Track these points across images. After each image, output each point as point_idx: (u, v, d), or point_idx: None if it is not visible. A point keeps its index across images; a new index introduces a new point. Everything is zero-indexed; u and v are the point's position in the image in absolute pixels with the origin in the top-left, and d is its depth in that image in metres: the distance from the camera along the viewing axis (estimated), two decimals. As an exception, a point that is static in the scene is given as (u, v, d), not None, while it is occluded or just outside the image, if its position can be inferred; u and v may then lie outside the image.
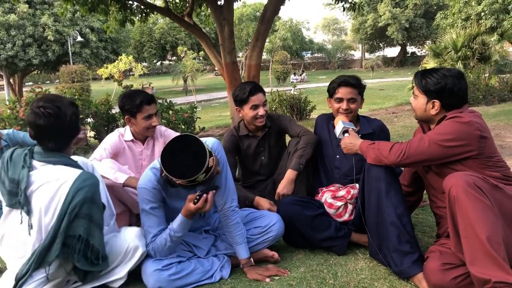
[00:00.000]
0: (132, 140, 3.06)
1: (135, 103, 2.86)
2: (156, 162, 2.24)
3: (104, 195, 2.23)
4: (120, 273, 2.17)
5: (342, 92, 2.73)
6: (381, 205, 2.25)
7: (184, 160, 1.99)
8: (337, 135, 2.57)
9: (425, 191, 2.48)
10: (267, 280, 2.23)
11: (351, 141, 2.43)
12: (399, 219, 2.20)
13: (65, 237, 1.91)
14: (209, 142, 2.30)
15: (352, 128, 2.54)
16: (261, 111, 2.93)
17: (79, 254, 1.94)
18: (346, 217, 2.57)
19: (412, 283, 2.13)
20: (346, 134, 2.51)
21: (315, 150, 2.85)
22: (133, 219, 3.05)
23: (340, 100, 2.74)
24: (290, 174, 2.76)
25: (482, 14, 23.42)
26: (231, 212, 2.33)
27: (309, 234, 2.51)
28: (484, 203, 1.80)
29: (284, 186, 2.73)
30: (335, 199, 2.58)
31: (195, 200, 2.10)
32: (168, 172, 2.00)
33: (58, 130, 1.97)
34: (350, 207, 2.56)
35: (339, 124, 2.55)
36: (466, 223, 1.80)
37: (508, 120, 6.95)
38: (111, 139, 3.05)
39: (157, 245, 2.19)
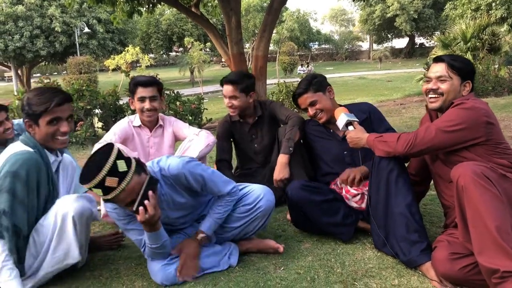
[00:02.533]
0: (140, 126, 3.09)
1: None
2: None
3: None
4: (61, 248, 2.06)
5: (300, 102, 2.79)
6: (390, 196, 2.25)
7: (90, 165, 1.90)
8: (340, 128, 2.52)
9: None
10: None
11: (358, 135, 2.39)
12: (408, 209, 2.20)
13: None
14: (172, 166, 2.13)
15: (355, 120, 2.49)
16: (226, 102, 3.05)
17: (8, 232, 1.91)
18: (363, 205, 2.57)
19: (420, 272, 2.13)
20: (350, 127, 2.46)
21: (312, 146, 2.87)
22: None
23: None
24: (281, 158, 2.79)
25: (493, 4, 23.10)
26: (228, 197, 2.29)
27: (316, 219, 2.50)
28: (492, 192, 1.79)
29: (279, 171, 2.77)
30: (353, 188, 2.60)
31: (133, 211, 1.97)
32: (80, 181, 1.89)
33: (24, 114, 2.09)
34: (366, 197, 2.55)
35: (342, 117, 2.48)
36: (474, 213, 1.79)
37: (517, 112, 6.88)
38: (121, 125, 3.09)
39: (148, 253, 2.19)
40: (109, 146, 1.93)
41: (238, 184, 2.40)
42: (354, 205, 2.59)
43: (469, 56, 12.27)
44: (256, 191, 2.39)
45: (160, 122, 3.12)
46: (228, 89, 3.00)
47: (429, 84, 2.23)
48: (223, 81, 3.05)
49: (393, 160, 2.26)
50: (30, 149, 2.04)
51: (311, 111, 2.75)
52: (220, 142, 3.16)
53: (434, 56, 13.46)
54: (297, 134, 2.81)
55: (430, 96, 2.21)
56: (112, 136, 2.99)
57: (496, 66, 11.76)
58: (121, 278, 2.27)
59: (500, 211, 1.77)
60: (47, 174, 2.09)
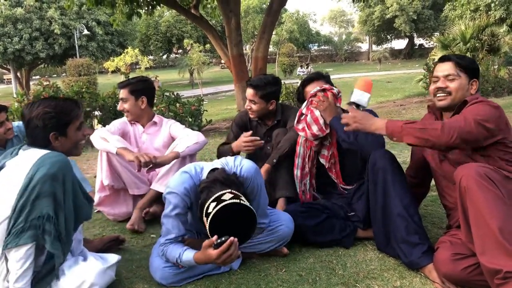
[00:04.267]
0: (133, 122, 3.24)
1: None
2: (191, 166, 2.19)
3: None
4: None
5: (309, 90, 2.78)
6: (387, 197, 2.24)
7: (233, 231, 1.89)
8: (349, 100, 2.34)
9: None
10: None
11: (366, 117, 2.13)
12: (406, 210, 2.19)
13: (33, 218, 1.82)
14: (245, 168, 2.15)
15: (363, 107, 2.33)
16: (247, 105, 3.04)
17: (51, 236, 1.86)
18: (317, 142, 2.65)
19: (422, 274, 2.12)
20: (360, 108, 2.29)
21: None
22: (130, 200, 3.16)
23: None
24: (264, 166, 2.85)
25: (492, 5, 23.13)
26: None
27: (313, 240, 2.52)
28: (495, 193, 1.78)
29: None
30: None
31: (216, 244, 1.88)
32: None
33: (30, 127, 2.01)
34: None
35: (356, 93, 2.26)
36: (477, 214, 1.78)
37: (517, 112, 6.88)
38: (118, 121, 3.27)
39: (168, 253, 2.14)
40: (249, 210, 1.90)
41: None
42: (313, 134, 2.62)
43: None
44: (279, 216, 2.44)
45: (155, 119, 3.23)
46: (249, 92, 2.99)
47: (437, 83, 2.21)
48: (247, 84, 3.04)
49: (389, 161, 2.26)
50: (53, 151, 1.99)
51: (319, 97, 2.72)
52: (233, 127, 3.20)
53: (433, 56, 13.52)
54: (287, 149, 2.82)
55: (438, 95, 2.19)
56: (111, 127, 3.15)
57: (496, 66, 11.78)
58: (122, 281, 2.26)
59: (503, 212, 1.76)
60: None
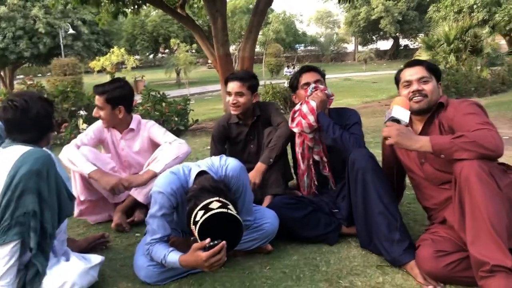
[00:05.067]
0: (110, 128, 3.10)
1: None
2: (179, 168, 2.18)
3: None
4: None
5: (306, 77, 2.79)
6: (367, 196, 2.27)
7: (223, 238, 1.89)
8: (387, 117, 2.14)
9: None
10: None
11: (411, 134, 2.02)
12: (387, 208, 2.22)
13: (18, 215, 1.81)
14: (230, 166, 2.18)
15: (405, 123, 2.09)
16: (232, 99, 2.97)
17: (36, 234, 1.85)
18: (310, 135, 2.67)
19: (405, 270, 2.15)
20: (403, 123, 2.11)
21: (292, 142, 2.89)
22: (110, 206, 3.10)
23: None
24: (259, 166, 2.82)
25: (474, 6, 23.51)
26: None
27: (299, 233, 2.54)
28: (494, 187, 1.81)
29: (253, 176, 2.77)
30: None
31: (208, 246, 1.87)
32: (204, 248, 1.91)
33: (25, 123, 1.98)
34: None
35: (395, 109, 2.08)
36: (474, 205, 1.81)
37: (499, 112, 7.01)
38: (95, 126, 3.12)
39: (153, 253, 2.13)
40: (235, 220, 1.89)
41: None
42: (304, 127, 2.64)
43: (452, 57, 12.48)
44: (264, 213, 2.45)
45: (132, 126, 3.07)
46: (235, 85, 2.96)
47: (411, 87, 2.22)
48: (230, 78, 3.00)
49: (368, 161, 2.29)
50: (37, 147, 1.98)
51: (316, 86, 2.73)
52: (214, 145, 3.15)
53: (418, 57, 13.67)
54: (281, 147, 2.83)
55: (415, 98, 2.19)
56: (84, 138, 3.03)
57: (479, 67, 11.96)
58: (106, 279, 2.25)
59: (498, 208, 1.80)
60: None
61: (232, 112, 3.02)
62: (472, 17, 18.05)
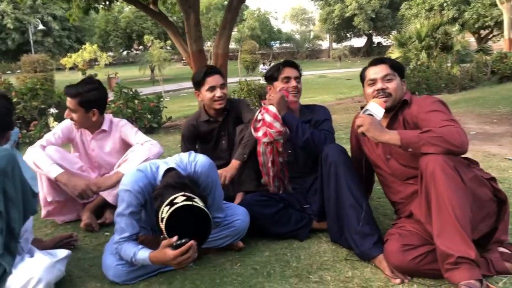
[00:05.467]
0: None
1: None
2: (147, 165, 2.15)
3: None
4: None
5: (288, 71, 2.77)
6: (339, 189, 2.29)
7: (190, 233, 1.88)
8: (363, 111, 2.19)
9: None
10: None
11: (381, 127, 2.06)
12: (357, 201, 2.25)
13: None
14: (199, 163, 2.17)
15: (379, 118, 2.14)
16: (218, 93, 2.89)
17: (2, 234, 1.79)
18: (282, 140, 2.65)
19: (373, 264, 2.18)
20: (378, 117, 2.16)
21: None
22: (79, 205, 3.04)
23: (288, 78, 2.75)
24: (233, 163, 2.81)
25: (445, 4, 24.05)
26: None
27: (270, 230, 2.55)
28: (458, 181, 1.85)
29: (227, 171, 2.76)
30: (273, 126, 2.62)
31: (175, 245, 1.87)
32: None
33: None
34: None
35: (371, 105, 2.16)
36: (439, 198, 1.84)
37: (467, 107, 7.19)
38: (64, 124, 3.02)
39: (122, 251, 2.10)
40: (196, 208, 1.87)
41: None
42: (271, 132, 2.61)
43: (423, 54, 12.71)
44: (235, 210, 2.44)
45: (104, 127, 2.99)
46: (218, 78, 2.92)
47: (375, 85, 2.24)
48: (209, 73, 2.92)
49: (341, 155, 2.32)
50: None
51: (293, 82, 2.73)
52: (184, 144, 3.09)
53: (390, 54, 13.89)
54: (254, 143, 2.79)
55: (380, 97, 2.21)
56: (51, 137, 2.94)
57: (449, 64, 12.21)
58: (73, 280, 2.21)
59: (463, 201, 1.84)
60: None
61: (218, 106, 2.93)
62: (442, 15, 18.44)
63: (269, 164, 2.70)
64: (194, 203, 1.86)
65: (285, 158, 2.72)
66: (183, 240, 1.86)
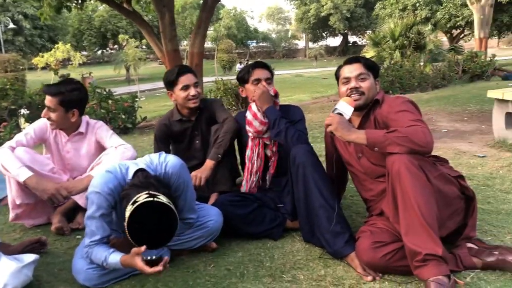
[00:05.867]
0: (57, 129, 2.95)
1: None
2: (116, 166, 2.11)
3: None
4: None
5: (258, 73, 2.75)
6: (308, 190, 2.31)
7: (153, 230, 1.86)
8: (334, 109, 2.21)
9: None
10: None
11: (348, 126, 2.09)
12: (327, 202, 2.27)
13: None
14: (170, 164, 2.13)
15: (348, 117, 2.18)
16: (192, 91, 2.87)
17: None
18: (266, 135, 2.68)
19: (345, 262, 2.20)
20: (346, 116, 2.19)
21: (239, 138, 2.89)
22: (49, 208, 2.98)
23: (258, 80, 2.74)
24: (208, 163, 2.77)
25: (417, 4, 24.44)
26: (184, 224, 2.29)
27: (244, 230, 2.55)
28: (423, 180, 1.88)
29: (201, 172, 2.73)
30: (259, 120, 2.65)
31: (146, 260, 1.86)
32: (137, 242, 1.86)
33: None
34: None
35: (340, 104, 2.19)
36: (405, 197, 1.87)
37: (439, 106, 7.32)
38: (37, 124, 2.96)
39: (93, 255, 2.07)
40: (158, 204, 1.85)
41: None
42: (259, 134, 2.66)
43: (397, 53, 12.90)
44: (208, 211, 2.43)
45: (81, 130, 2.95)
46: (192, 76, 2.89)
47: (349, 84, 2.27)
48: (183, 72, 2.89)
49: (308, 156, 2.34)
50: None
51: (264, 83, 2.71)
52: (157, 145, 3.05)
53: (365, 53, 14.05)
54: (228, 142, 2.80)
55: (353, 95, 2.24)
56: (23, 137, 2.87)
57: (422, 63, 12.42)
58: (42, 285, 2.17)
59: (428, 199, 1.87)
60: None
61: (193, 105, 2.91)
62: (415, 14, 18.72)
63: (255, 157, 2.73)
64: (156, 199, 1.85)
65: (273, 151, 2.73)
66: (154, 257, 1.85)
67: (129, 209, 1.83)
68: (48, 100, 2.78)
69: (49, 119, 2.84)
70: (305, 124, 2.78)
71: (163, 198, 1.87)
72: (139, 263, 1.87)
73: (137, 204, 1.82)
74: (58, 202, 2.64)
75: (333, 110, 2.18)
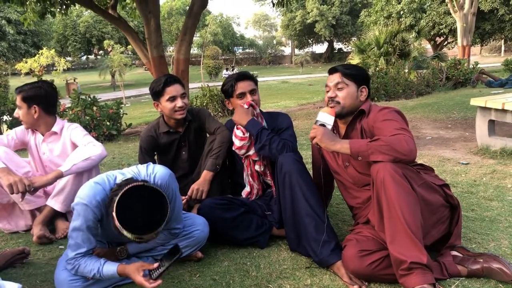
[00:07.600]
0: (33, 130, 3.01)
1: None
2: (104, 177, 2.06)
3: None
4: None
5: (242, 86, 2.71)
6: (294, 198, 2.31)
7: (143, 214, 1.81)
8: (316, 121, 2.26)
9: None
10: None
11: (332, 136, 2.11)
12: (313, 210, 2.27)
13: None
14: (159, 175, 2.10)
15: (330, 126, 2.21)
16: (179, 103, 2.80)
17: None
18: (251, 152, 2.64)
19: (332, 271, 2.20)
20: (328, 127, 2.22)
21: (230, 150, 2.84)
22: (27, 215, 2.98)
23: (243, 94, 2.70)
24: (206, 175, 2.73)
25: (402, 12, 24.76)
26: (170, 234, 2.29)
27: (230, 235, 2.53)
28: (408, 188, 1.89)
29: (200, 184, 2.70)
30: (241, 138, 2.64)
31: (151, 273, 1.87)
32: (128, 229, 1.80)
33: None
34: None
35: (321, 115, 2.24)
36: (390, 206, 1.88)
37: (424, 113, 7.39)
38: (20, 127, 3.03)
39: (82, 268, 2.02)
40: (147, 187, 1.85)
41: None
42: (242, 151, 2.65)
43: (382, 60, 13.03)
44: (194, 220, 2.41)
45: (55, 129, 2.96)
46: (179, 87, 2.81)
47: (328, 93, 2.33)
48: (170, 82, 2.81)
49: (295, 164, 2.33)
50: None
51: (249, 97, 2.68)
52: (143, 157, 2.97)
53: (351, 60, 14.17)
54: (225, 152, 2.76)
55: (330, 104, 2.30)
56: (4, 137, 2.93)
57: (406, 70, 12.56)
58: (24, 297, 2.12)
59: (413, 207, 1.88)
60: None
61: (180, 117, 2.84)
62: (400, 22, 19.02)
63: (251, 179, 2.73)
64: (145, 184, 1.85)
65: (261, 166, 2.70)
66: (160, 270, 1.86)
67: (116, 200, 1.80)
68: (16, 98, 2.91)
69: (18, 118, 2.93)
70: (292, 131, 2.75)
71: (151, 184, 1.87)
72: (138, 277, 1.88)
73: (126, 188, 1.80)
74: (18, 191, 2.48)
75: (315, 121, 2.22)
